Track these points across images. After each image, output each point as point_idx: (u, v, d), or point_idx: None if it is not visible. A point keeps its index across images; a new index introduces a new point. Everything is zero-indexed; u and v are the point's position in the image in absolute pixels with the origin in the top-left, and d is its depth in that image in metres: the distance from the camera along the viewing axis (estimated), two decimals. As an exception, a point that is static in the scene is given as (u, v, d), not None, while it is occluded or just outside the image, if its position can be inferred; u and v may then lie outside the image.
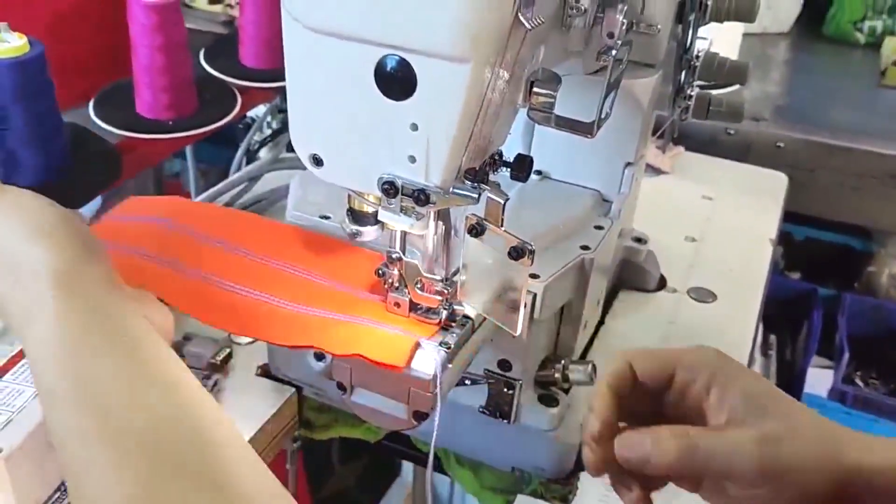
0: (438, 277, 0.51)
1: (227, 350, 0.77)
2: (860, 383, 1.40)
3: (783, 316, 1.45)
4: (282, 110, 1.17)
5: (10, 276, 0.45)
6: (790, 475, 0.44)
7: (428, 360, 0.51)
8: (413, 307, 0.53)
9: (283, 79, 1.05)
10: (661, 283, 0.96)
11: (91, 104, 0.90)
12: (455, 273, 0.51)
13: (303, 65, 0.46)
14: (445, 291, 0.51)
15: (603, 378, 0.49)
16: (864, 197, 1.35)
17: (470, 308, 0.53)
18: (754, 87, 1.49)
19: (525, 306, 0.46)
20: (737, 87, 1.24)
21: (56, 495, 0.62)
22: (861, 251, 1.51)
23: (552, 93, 0.48)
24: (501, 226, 0.45)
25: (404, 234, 0.52)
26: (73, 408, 0.41)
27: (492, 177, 0.49)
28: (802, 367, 1.34)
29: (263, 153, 1.20)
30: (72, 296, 0.44)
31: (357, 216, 0.52)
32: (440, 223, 0.50)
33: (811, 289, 1.45)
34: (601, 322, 0.86)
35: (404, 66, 0.42)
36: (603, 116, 0.49)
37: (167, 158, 1.85)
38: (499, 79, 0.44)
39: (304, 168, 1.08)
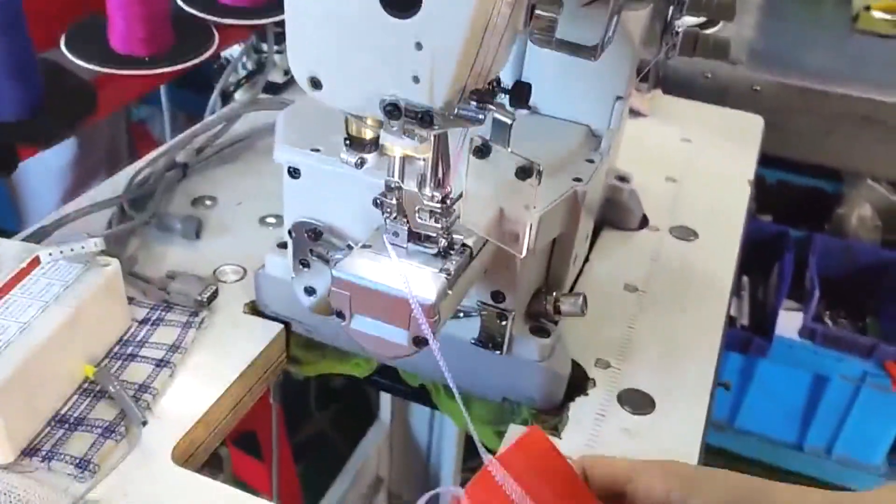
0: (438, 204, 0.51)
1: (213, 288, 0.76)
2: (829, 322, 1.43)
3: (755, 257, 1.48)
4: (258, 50, 1.14)
5: None
6: None
7: (429, 287, 0.51)
8: (412, 236, 0.52)
9: (259, 16, 1.03)
10: (644, 222, 0.97)
11: (63, 39, 0.87)
12: (456, 199, 0.51)
13: (301, -18, 0.45)
14: (445, 218, 0.51)
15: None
16: (836, 139, 1.37)
17: (469, 234, 0.52)
18: (730, 29, 1.49)
19: (530, 227, 0.46)
20: (721, 24, 1.24)
21: (46, 430, 0.61)
22: (831, 194, 1.54)
23: (554, 16, 0.48)
24: (508, 146, 0.44)
25: (403, 161, 0.51)
26: None
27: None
28: (774, 308, 1.37)
29: (239, 95, 1.17)
30: None
31: (356, 143, 0.51)
32: (440, 147, 0.49)
33: (783, 231, 1.48)
34: (586, 259, 0.87)
35: (409, -19, 0.41)
36: (606, 40, 0.49)
37: (136, 105, 1.81)
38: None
39: (282, 108, 1.06)
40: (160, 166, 0.93)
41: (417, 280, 0.51)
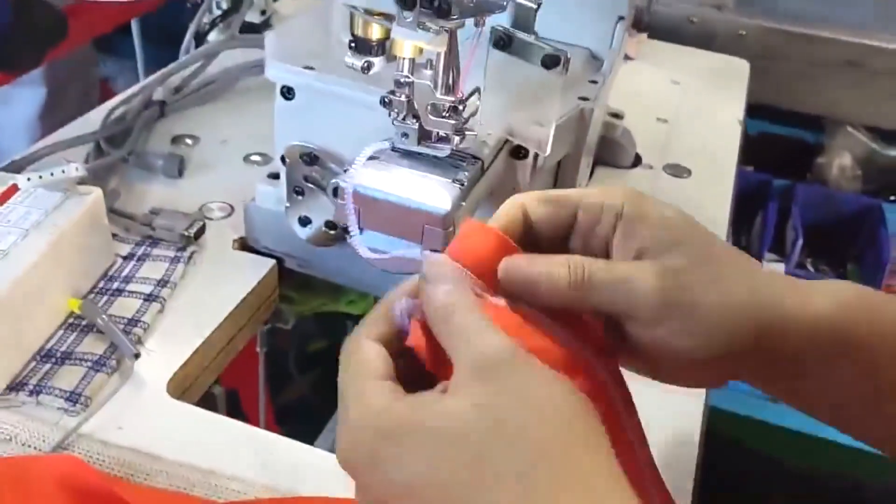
0: (451, 99, 0.48)
1: (201, 223, 0.73)
2: (811, 269, 1.44)
3: (738, 207, 1.48)
4: (234, -12, 1.09)
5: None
6: (698, 314, 0.38)
7: (443, 196, 0.48)
8: (423, 135, 0.50)
9: (237, -52, 0.98)
10: (637, 160, 0.95)
11: (31, -34, 0.82)
12: (469, 96, 0.48)
13: None
14: (458, 115, 0.48)
15: (492, 219, 0.41)
16: (818, 85, 1.36)
17: (483, 136, 0.50)
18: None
19: (556, 120, 0.43)
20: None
21: (32, 364, 0.58)
22: (812, 144, 1.54)
23: None
24: (532, 34, 0.42)
25: (413, 63, 0.48)
26: None
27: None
28: (758, 256, 1.37)
29: (212, 37, 1.12)
30: None
31: (361, 45, 0.48)
32: (452, 43, 0.46)
33: (766, 179, 1.48)
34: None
35: None
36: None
37: (103, 59, 1.74)
38: None
39: (264, 46, 1.02)
40: (136, 104, 0.89)
41: (429, 190, 0.48)
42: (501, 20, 0.43)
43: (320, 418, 1.67)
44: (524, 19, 0.42)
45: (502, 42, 0.42)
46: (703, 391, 0.64)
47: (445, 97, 0.47)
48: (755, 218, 1.47)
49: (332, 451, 1.02)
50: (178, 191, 0.80)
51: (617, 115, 0.92)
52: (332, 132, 0.63)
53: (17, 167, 0.74)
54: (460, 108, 0.47)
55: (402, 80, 0.48)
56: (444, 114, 0.47)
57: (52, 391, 0.56)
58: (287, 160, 0.65)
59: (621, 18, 0.70)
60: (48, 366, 0.58)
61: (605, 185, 0.89)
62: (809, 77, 1.34)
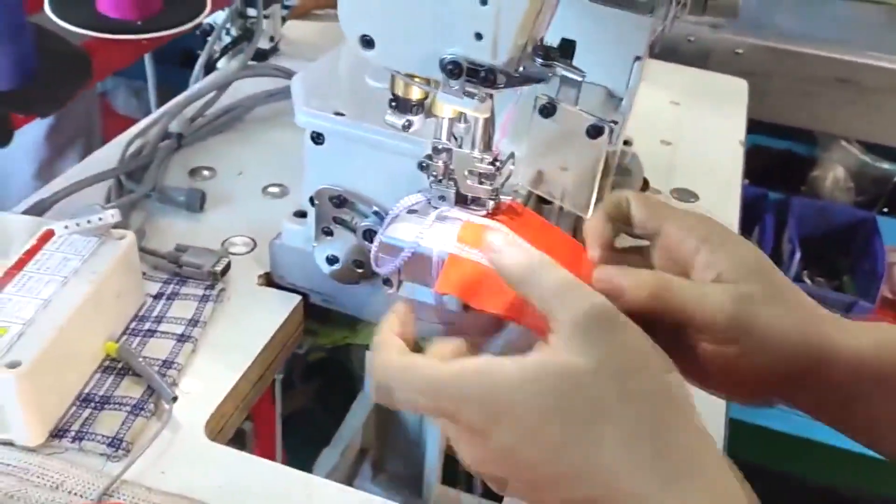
0: (489, 166, 0.50)
1: (227, 260, 0.74)
2: (807, 281, 1.47)
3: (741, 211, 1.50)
4: (243, 16, 1.10)
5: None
6: (765, 337, 0.43)
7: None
8: (460, 198, 0.51)
9: (249, -21, 1.00)
10: (645, 185, 0.97)
11: (48, 3, 0.83)
12: (506, 161, 0.50)
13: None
14: (494, 180, 0.50)
15: (599, 206, 0.48)
16: (812, 102, 1.39)
17: (520, 194, 0.52)
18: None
19: (596, 186, 0.45)
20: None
21: (73, 410, 0.59)
22: (805, 157, 1.57)
23: (607, -31, 0.47)
24: (576, 104, 0.44)
25: (451, 124, 0.50)
26: None
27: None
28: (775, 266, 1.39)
29: (222, 63, 1.13)
30: None
31: (402, 104, 0.50)
32: (493, 107, 0.48)
33: (762, 193, 1.50)
34: (595, 223, 0.87)
35: (476, -68, 0.40)
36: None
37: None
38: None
39: (276, 75, 1.03)
40: (153, 136, 0.90)
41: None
42: (545, 87, 0.45)
43: (324, 428, 1.68)
44: (569, 89, 0.43)
45: (546, 110, 0.44)
46: (723, 404, 0.67)
47: (483, 165, 0.48)
48: (752, 231, 1.50)
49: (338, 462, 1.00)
50: (200, 225, 0.82)
51: (626, 142, 0.94)
52: (362, 176, 0.64)
53: (40, 208, 0.74)
54: (497, 173, 0.49)
55: (440, 146, 0.49)
56: (481, 179, 0.49)
57: (95, 437, 0.57)
58: (316, 202, 0.66)
59: (638, 58, 0.72)
60: (88, 410, 0.59)
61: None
62: (803, 93, 1.37)
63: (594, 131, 0.43)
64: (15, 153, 1.35)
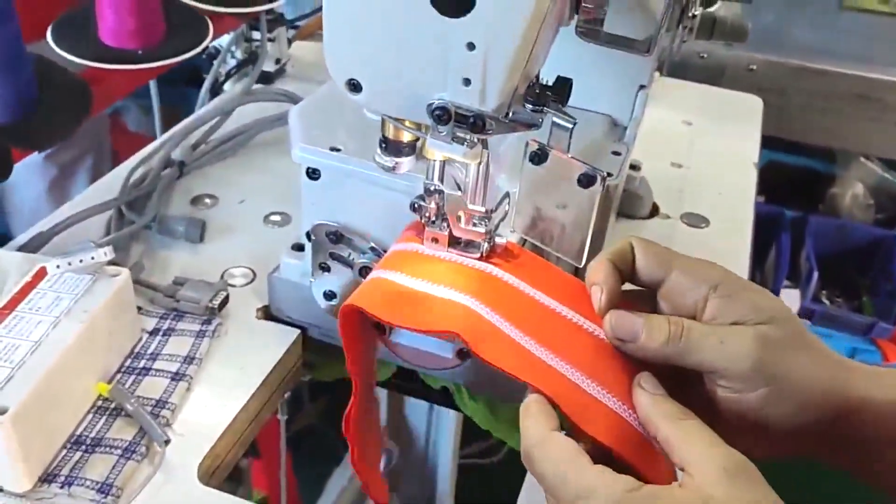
0: (481, 209, 0.48)
1: (224, 293, 0.73)
2: (826, 301, 1.44)
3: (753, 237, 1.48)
4: (248, 39, 1.10)
5: None
6: (792, 384, 0.41)
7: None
8: (453, 241, 0.50)
9: (252, 4, 0.99)
10: (654, 210, 0.95)
11: (49, 33, 0.82)
12: (499, 203, 0.48)
13: (341, -22, 0.42)
14: (487, 224, 0.49)
15: (603, 253, 0.46)
16: (830, 118, 1.36)
17: (512, 240, 0.50)
18: (724, 7, 1.47)
19: (590, 236, 0.44)
20: (719, 4, 1.22)
21: (63, 453, 0.58)
22: (823, 173, 1.54)
23: (602, 7, 0.45)
24: (568, 151, 0.42)
25: (443, 166, 0.49)
26: None
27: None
28: (774, 289, 1.37)
29: (228, 86, 1.13)
30: None
31: (392, 146, 0.48)
32: (484, 152, 0.47)
33: (778, 212, 1.48)
34: (602, 251, 0.85)
35: (462, -23, 0.38)
36: (659, 33, 0.46)
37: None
38: (557, -8, 0.41)
39: (280, 100, 1.03)
40: (156, 165, 0.89)
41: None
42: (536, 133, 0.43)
43: (333, 446, 1.67)
44: (560, 135, 0.42)
45: (537, 157, 0.43)
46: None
47: (476, 207, 0.47)
48: (769, 250, 1.47)
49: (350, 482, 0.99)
50: (200, 255, 0.81)
51: (635, 167, 0.93)
52: (358, 211, 0.63)
53: (38, 243, 0.74)
54: (491, 215, 0.47)
55: (432, 188, 0.48)
56: (474, 222, 0.47)
57: (84, 482, 0.56)
58: (313, 237, 0.65)
59: (642, 87, 0.70)
60: (79, 454, 0.58)
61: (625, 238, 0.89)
62: (820, 110, 1.35)
63: (586, 180, 0.42)
64: (23, 171, 1.36)
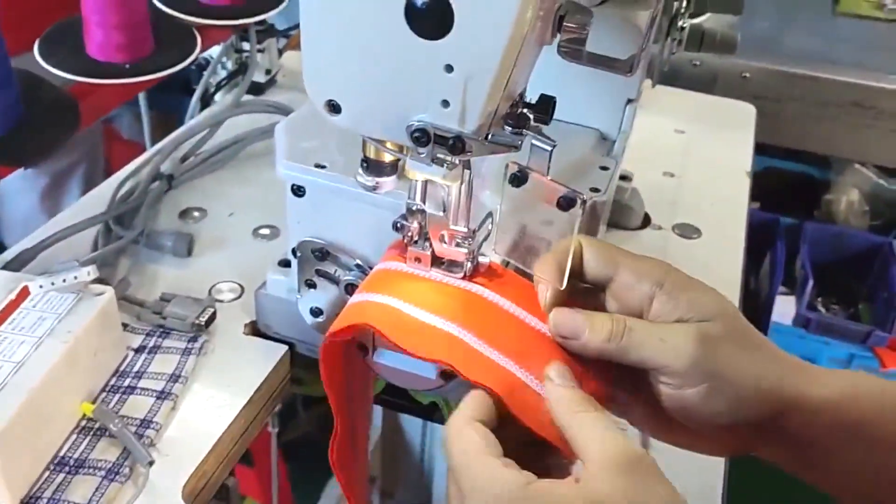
0: (464, 229, 0.48)
1: (212, 310, 0.72)
2: (822, 309, 1.43)
3: (745, 246, 1.47)
4: (238, 50, 1.09)
5: None
6: (726, 381, 0.42)
7: (458, 318, 0.48)
8: (436, 260, 0.49)
9: (241, 16, 0.99)
10: (646, 221, 0.95)
11: (36, 47, 0.82)
12: (482, 223, 0.48)
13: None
14: (470, 244, 0.48)
15: (550, 252, 0.46)
16: (824, 125, 1.36)
17: (496, 259, 0.50)
18: (715, 16, 1.47)
19: (571, 258, 0.43)
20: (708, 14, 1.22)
21: (46, 474, 0.58)
22: (819, 180, 1.54)
23: (584, 27, 0.45)
24: (548, 173, 0.42)
25: (425, 185, 0.48)
26: None
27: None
28: (769, 297, 1.36)
29: (219, 97, 1.13)
30: None
31: (374, 166, 0.48)
32: (466, 173, 0.46)
33: (773, 219, 1.47)
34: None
35: (439, 0, 0.38)
36: (642, 53, 0.46)
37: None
38: (538, 13, 0.40)
39: (270, 111, 1.02)
40: (144, 178, 0.89)
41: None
42: (517, 155, 0.43)
43: (325, 454, 1.67)
44: (539, 158, 0.41)
45: (517, 180, 0.42)
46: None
47: (458, 227, 0.46)
48: (764, 257, 1.47)
49: (343, 497, 0.98)
50: (188, 270, 0.80)
51: (625, 178, 0.92)
52: (343, 228, 0.63)
53: (23, 260, 0.74)
54: (473, 235, 0.47)
55: (413, 207, 0.48)
56: (457, 241, 0.47)
57: (67, 505, 0.56)
58: (299, 254, 0.65)
59: (630, 101, 0.70)
60: (62, 476, 0.58)
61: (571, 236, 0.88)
62: (814, 117, 1.34)
63: (566, 203, 0.41)
64: (15, 182, 1.36)
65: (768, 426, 0.44)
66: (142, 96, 1.16)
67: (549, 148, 0.41)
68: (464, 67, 0.40)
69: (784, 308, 1.38)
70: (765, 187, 1.56)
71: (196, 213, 0.89)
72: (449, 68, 0.40)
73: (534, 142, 0.41)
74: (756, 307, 1.43)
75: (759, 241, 1.46)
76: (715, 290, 0.46)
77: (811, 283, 1.35)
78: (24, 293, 0.62)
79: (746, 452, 0.47)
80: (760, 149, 1.37)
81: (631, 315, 0.45)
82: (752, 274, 1.49)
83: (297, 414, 1.87)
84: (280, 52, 1.17)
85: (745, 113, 1.23)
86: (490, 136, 0.42)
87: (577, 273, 0.46)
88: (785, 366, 0.44)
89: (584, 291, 0.47)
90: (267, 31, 1.09)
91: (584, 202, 0.41)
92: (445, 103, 0.41)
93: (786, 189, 1.54)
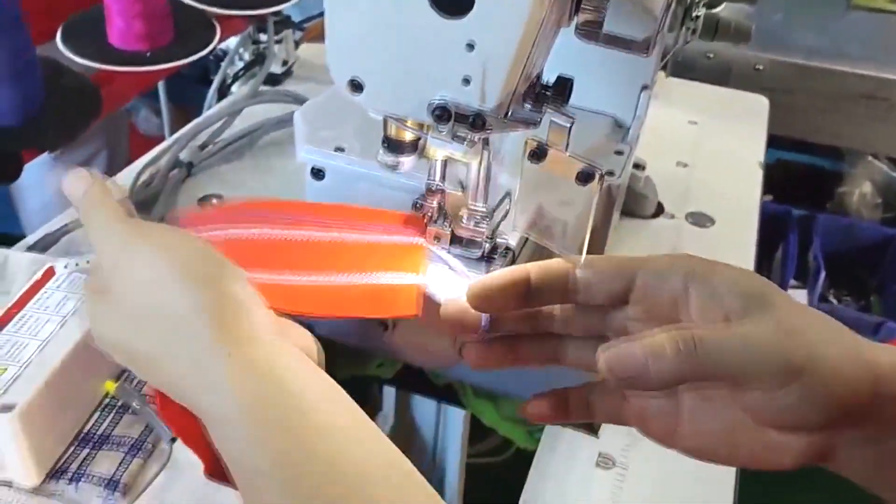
0: (483, 208, 0.49)
1: (231, 293, 0.73)
2: (834, 301, 1.44)
3: (758, 237, 1.48)
4: (256, 41, 1.11)
5: (168, 334, 0.39)
6: (822, 372, 0.35)
7: (476, 294, 0.49)
8: (455, 239, 0.50)
9: (260, 6, 1.00)
10: (659, 210, 0.95)
11: (59, 35, 0.83)
12: (500, 202, 0.49)
13: (343, -20, 0.42)
14: (488, 222, 0.49)
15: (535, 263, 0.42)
16: (837, 117, 1.36)
17: (513, 239, 0.51)
18: (730, 7, 1.47)
19: (590, 233, 0.44)
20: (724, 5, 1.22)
21: (71, 449, 0.59)
22: (832, 172, 1.54)
23: (601, 8, 0.46)
24: (566, 149, 0.42)
25: (445, 164, 0.49)
26: (280, 490, 0.35)
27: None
28: (781, 287, 1.36)
29: (236, 87, 1.14)
30: (243, 361, 0.37)
31: (394, 145, 0.49)
32: (485, 151, 0.47)
33: (785, 210, 1.47)
34: (605, 250, 0.86)
35: (461, -22, 0.39)
36: (658, 33, 0.47)
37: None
38: (556, -8, 0.41)
39: (287, 101, 1.03)
40: (163, 165, 0.90)
41: (463, 287, 0.49)
42: (536, 130, 0.44)
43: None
44: (559, 133, 0.42)
45: (535, 155, 0.43)
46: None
47: (477, 206, 0.47)
48: (776, 249, 1.47)
49: None
50: (207, 255, 0.81)
51: (639, 166, 0.93)
52: (362, 211, 0.63)
53: (47, 243, 0.75)
54: (492, 213, 0.48)
55: (433, 186, 0.49)
56: (476, 220, 0.48)
57: (91, 478, 0.57)
58: (317, 237, 0.66)
59: (645, 87, 0.71)
60: (87, 450, 0.59)
61: (630, 238, 0.89)
62: (827, 110, 1.34)
63: (584, 177, 0.42)
64: (35, 172, 1.37)
65: (857, 416, 0.37)
66: (161, 88, 1.17)
67: (569, 124, 0.42)
68: (484, 45, 0.41)
69: (796, 300, 1.38)
70: (777, 180, 1.57)
71: (214, 200, 0.90)
72: (470, 46, 0.41)
73: (553, 118, 0.42)
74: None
75: (771, 233, 1.46)
76: (744, 269, 0.40)
77: (823, 274, 1.36)
78: (50, 273, 0.63)
79: (821, 461, 0.39)
80: (773, 141, 1.37)
81: (665, 323, 0.38)
82: (764, 266, 1.49)
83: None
84: (296, 44, 1.18)
85: (758, 105, 1.23)
86: (510, 114, 0.43)
87: (584, 295, 0.41)
88: (857, 338, 0.38)
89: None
90: (283, 22, 1.10)
91: (602, 176, 0.41)
92: (466, 81, 0.42)
93: (798, 182, 1.54)
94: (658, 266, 0.40)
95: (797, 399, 0.36)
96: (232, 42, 1.11)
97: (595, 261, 0.42)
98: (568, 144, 0.42)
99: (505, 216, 0.50)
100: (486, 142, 0.46)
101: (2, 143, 0.69)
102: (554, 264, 0.42)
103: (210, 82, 1.10)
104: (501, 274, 0.41)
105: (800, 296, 1.40)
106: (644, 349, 0.37)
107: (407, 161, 0.50)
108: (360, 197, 0.63)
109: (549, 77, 0.49)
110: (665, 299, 0.39)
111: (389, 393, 1.56)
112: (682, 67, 1.30)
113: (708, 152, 1.09)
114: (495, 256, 0.51)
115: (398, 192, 0.60)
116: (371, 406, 1.69)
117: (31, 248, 0.74)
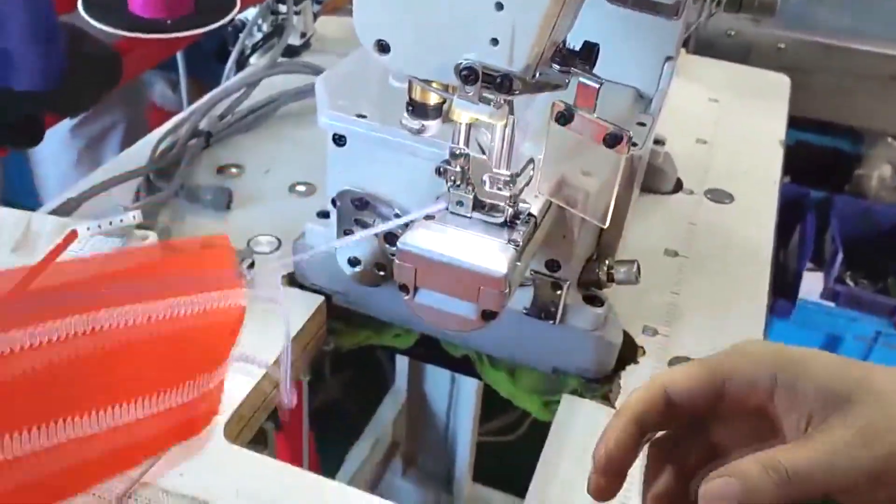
0: (506, 173, 0.49)
1: (250, 260, 0.74)
2: (850, 283, 1.43)
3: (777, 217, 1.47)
4: (274, 12, 1.10)
5: None
6: None
7: (499, 258, 0.49)
8: (478, 204, 0.50)
9: (279, -24, 0.99)
10: (678, 186, 0.95)
11: (80, 3, 0.83)
12: (524, 167, 0.49)
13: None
14: (513, 186, 0.49)
15: (627, 403, 0.42)
16: (858, 98, 1.35)
17: (535, 206, 0.51)
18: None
19: (614, 195, 0.44)
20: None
21: (94, 410, 0.60)
22: (850, 154, 1.52)
23: (632, -30, 0.45)
24: (594, 111, 0.42)
25: (469, 128, 0.49)
26: None
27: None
28: (798, 271, 1.36)
29: (254, 59, 1.14)
30: None
31: (419, 109, 0.49)
32: (510, 116, 0.47)
33: (803, 192, 1.46)
34: (624, 225, 0.85)
35: (491, -64, 0.39)
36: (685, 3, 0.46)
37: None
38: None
39: (305, 72, 1.03)
40: (183, 135, 0.90)
41: (486, 252, 0.49)
42: (563, 93, 0.43)
43: (354, 421, 1.69)
44: (587, 95, 0.42)
45: (563, 118, 0.43)
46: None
47: (501, 171, 0.47)
48: (793, 231, 1.46)
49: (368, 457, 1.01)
50: (226, 223, 0.82)
51: (659, 141, 0.92)
52: (384, 178, 0.64)
53: (68, 208, 0.75)
54: (515, 178, 0.48)
55: (457, 151, 0.48)
56: (499, 185, 0.48)
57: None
58: (338, 203, 0.66)
59: (669, 58, 0.70)
60: (110, 411, 0.60)
61: (648, 213, 0.89)
62: (848, 90, 1.33)
63: (612, 140, 0.42)
64: (52, 144, 1.38)
65: None
66: (180, 60, 1.17)
67: (598, 86, 0.42)
68: (513, 6, 0.41)
69: (810, 285, 1.37)
70: (796, 161, 1.55)
71: (234, 170, 0.90)
72: (499, 6, 0.41)
73: (581, 79, 0.42)
74: (784, 281, 1.42)
75: (788, 214, 1.45)
76: (832, 355, 0.40)
77: (840, 256, 1.35)
78: (72, 236, 0.64)
79: None
80: (792, 123, 1.36)
81: (748, 430, 0.41)
82: (781, 247, 1.48)
83: (323, 378, 1.89)
84: (315, 17, 1.17)
85: (779, 84, 1.22)
86: (537, 76, 0.42)
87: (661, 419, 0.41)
88: None
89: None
90: (302, -8, 1.09)
91: (630, 138, 0.41)
92: (494, 41, 0.42)
93: (816, 164, 1.53)
94: (744, 378, 0.40)
95: (886, 500, 0.37)
96: (251, 13, 1.11)
97: (682, 375, 0.42)
98: (595, 107, 0.42)
99: (528, 183, 0.50)
100: (510, 106, 0.46)
101: (25, 106, 0.70)
102: (650, 391, 0.41)
103: (228, 55, 1.09)
104: (618, 445, 0.41)
105: (815, 280, 1.40)
106: (741, 483, 0.37)
107: (431, 125, 0.50)
108: (381, 164, 0.63)
109: (574, 45, 0.49)
110: (751, 407, 0.41)
111: (402, 369, 1.57)
112: (703, 46, 1.28)
113: (728, 130, 1.09)
114: (517, 222, 0.51)
115: (420, 160, 0.60)
116: (382, 378, 1.70)
117: (52, 214, 0.75)
